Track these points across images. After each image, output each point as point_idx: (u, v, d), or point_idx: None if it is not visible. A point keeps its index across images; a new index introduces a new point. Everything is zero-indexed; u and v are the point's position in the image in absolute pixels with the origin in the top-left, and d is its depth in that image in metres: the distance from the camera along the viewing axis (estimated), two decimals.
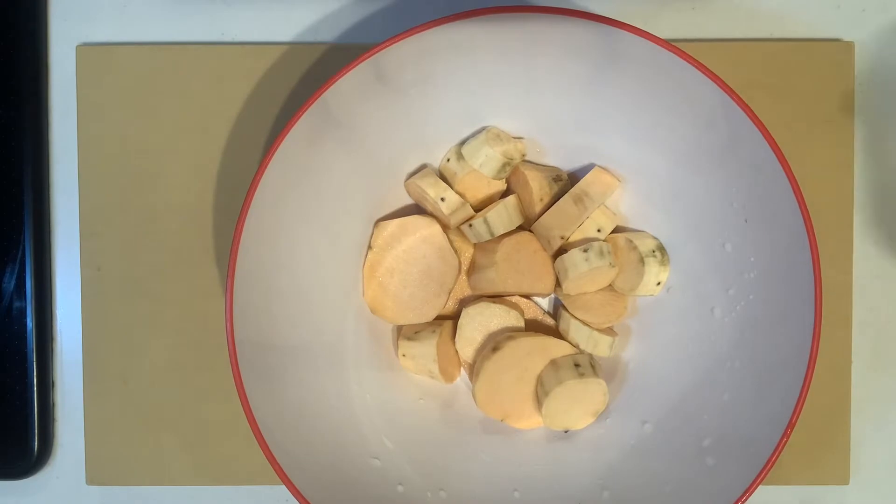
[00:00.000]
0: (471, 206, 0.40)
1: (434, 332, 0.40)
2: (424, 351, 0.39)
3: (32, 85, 0.41)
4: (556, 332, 0.41)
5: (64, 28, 0.42)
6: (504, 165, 0.39)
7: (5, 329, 0.41)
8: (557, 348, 0.39)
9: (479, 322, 0.40)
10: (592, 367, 0.39)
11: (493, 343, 0.40)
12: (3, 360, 0.41)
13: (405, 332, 0.40)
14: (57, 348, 0.42)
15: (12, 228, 0.41)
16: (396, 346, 0.41)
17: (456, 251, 0.40)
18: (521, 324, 0.40)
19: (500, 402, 0.40)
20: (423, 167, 0.40)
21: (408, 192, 0.41)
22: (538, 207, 0.40)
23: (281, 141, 0.35)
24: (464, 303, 0.41)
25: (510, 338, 0.39)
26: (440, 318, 0.41)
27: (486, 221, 0.39)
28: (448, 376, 0.40)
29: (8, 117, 0.41)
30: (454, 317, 0.41)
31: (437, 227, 0.40)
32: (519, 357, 0.39)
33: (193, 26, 0.42)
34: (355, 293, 0.40)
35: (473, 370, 0.40)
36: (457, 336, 0.40)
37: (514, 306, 0.41)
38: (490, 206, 0.40)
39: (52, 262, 0.42)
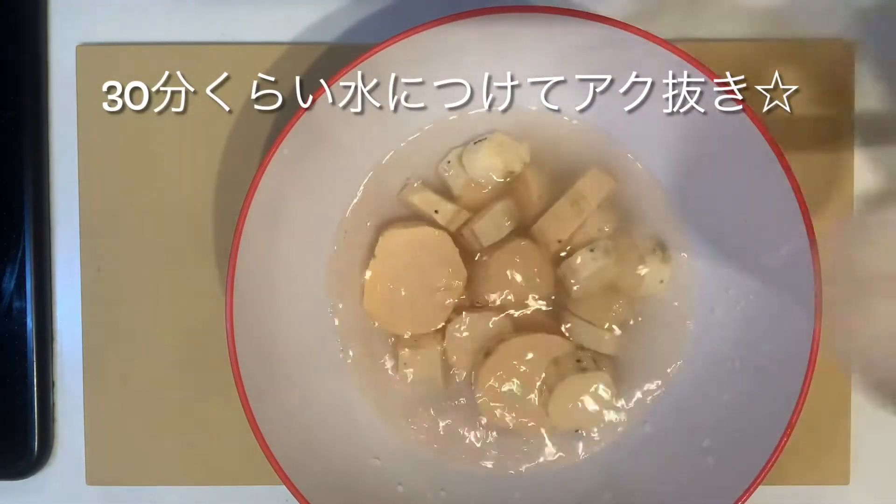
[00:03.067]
0: (471, 209, 0.40)
1: (434, 339, 0.39)
2: (429, 359, 0.39)
3: (32, 85, 0.41)
4: (557, 333, 0.41)
5: (64, 28, 0.42)
6: (505, 177, 0.39)
7: (5, 329, 0.41)
8: (554, 345, 0.39)
9: (468, 330, 0.40)
10: (595, 361, 0.39)
11: (486, 349, 0.39)
12: (3, 360, 0.41)
13: (405, 343, 0.40)
14: (57, 348, 0.42)
15: (12, 228, 0.41)
16: (396, 357, 0.40)
17: (464, 258, 0.40)
18: (510, 329, 0.40)
19: (505, 406, 0.39)
20: (409, 181, 0.40)
21: (402, 203, 0.40)
22: (537, 208, 0.40)
23: (281, 141, 0.35)
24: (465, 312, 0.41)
25: (501, 340, 0.39)
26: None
27: (473, 232, 0.39)
28: (448, 382, 0.40)
29: (8, 117, 0.41)
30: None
31: (443, 236, 0.39)
32: (516, 358, 0.39)
33: (193, 26, 0.42)
34: (356, 295, 0.40)
35: (473, 378, 0.40)
36: (447, 344, 0.40)
37: (502, 312, 0.40)
38: (478, 215, 0.39)
39: (52, 262, 0.42)
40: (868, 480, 0.42)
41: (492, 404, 0.39)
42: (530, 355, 0.39)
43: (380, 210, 0.40)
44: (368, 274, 0.40)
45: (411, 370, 0.40)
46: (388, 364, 0.41)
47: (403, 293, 0.39)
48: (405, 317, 0.40)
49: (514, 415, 0.39)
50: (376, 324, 0.40)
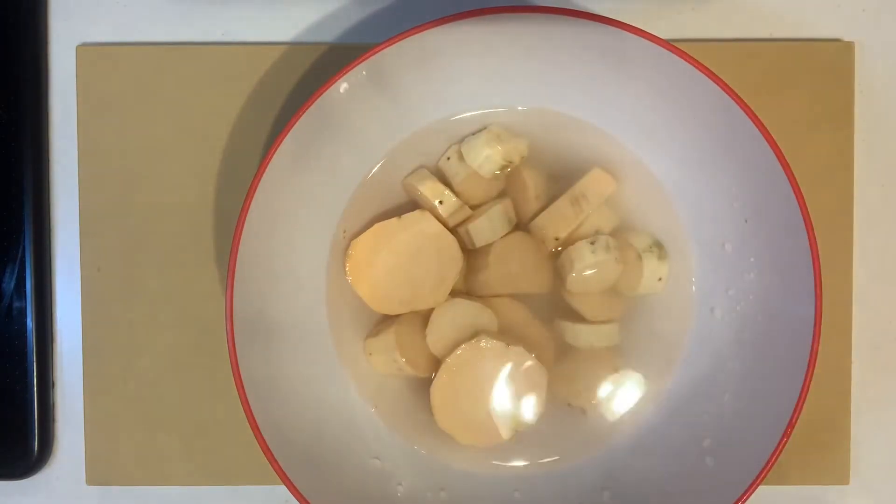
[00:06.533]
0: (469, 205, 0.40)
1: (392, 323, 0.39)
2: (386, 343, 0.39)
3: (32, 85, 0.41)
4: (543, 336, 0.40)
5: (64, 28, 0.42)
6: (503, 167, 0.39)
7: (5, 329, 0.41)
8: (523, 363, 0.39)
9: (450, 318, 0.39)
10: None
11: (461, 341, 0.39)
12: (3, 360, 0.41)
13: (371, 332, 0.40)
14: (57, 348, 0.42)
15: (12, 228, 0.41)
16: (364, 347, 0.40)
17: (461, 240, 0.40)
18: (494, 324, 0.39)
19: (460, 417, 0.39)
20: (419, 167, 0.40)
21: (405, 190, 0.40)
22: (534, 207, 0.40)
23: (281, 141, 0.35)
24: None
25: (477, 333, 0.39)
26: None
27: (468, 232, 0.39)
28: (419, 367, 0.39)
29: (8, 117, 0.41)
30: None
31: (436, 222, 0.39)
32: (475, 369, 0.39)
33: (193, 26, 0.42)
34: (356, 297, 0.40)
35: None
36: (428, 331, 0.39)
37: (488, 307, 0.39)
38: (475, 214, 0.39)
39: (52, 262, 0.42)
40: (868, 480, 0.42)
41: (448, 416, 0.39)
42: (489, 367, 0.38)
43: (380, 206, 0.40)
44: (363, 262, 0.39)
45: (377, 358, 0.39)
46: None
47: (401, 277, 0.39)
48: (400, 300, 0.39)
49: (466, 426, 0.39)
50: (362, 296, 0.39)
